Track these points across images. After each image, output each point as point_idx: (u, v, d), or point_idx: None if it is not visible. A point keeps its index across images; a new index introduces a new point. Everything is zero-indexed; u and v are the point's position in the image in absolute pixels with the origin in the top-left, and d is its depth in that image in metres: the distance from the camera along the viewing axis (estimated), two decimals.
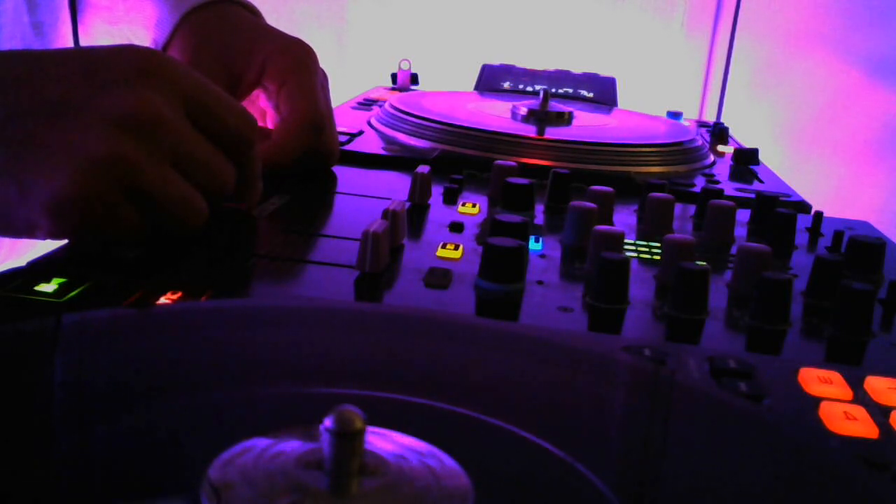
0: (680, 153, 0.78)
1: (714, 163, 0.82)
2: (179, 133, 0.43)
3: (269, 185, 0.57)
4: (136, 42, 0.64)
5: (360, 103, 0.97)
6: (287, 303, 0.41)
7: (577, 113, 0.87)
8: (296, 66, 0.61)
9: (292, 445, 0.24)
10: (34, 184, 0.40)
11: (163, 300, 0.37)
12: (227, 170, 0.47)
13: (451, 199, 0.61)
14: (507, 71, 1.15)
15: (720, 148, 0.91)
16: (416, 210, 0.57)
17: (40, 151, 0.40)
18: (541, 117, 0.83)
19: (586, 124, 0.86)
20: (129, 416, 0.27)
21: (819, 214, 0.60)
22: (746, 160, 0.83)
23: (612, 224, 0.57)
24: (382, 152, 0.73)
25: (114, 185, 0.41)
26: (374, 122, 0.84)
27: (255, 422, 0.27)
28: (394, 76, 1.14)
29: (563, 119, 0.85)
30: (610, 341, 0.37)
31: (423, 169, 0.59)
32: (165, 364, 0.31)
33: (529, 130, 0.80)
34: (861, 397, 0.34)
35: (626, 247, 0.52)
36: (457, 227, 0.54)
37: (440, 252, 0.48)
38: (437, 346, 0.35)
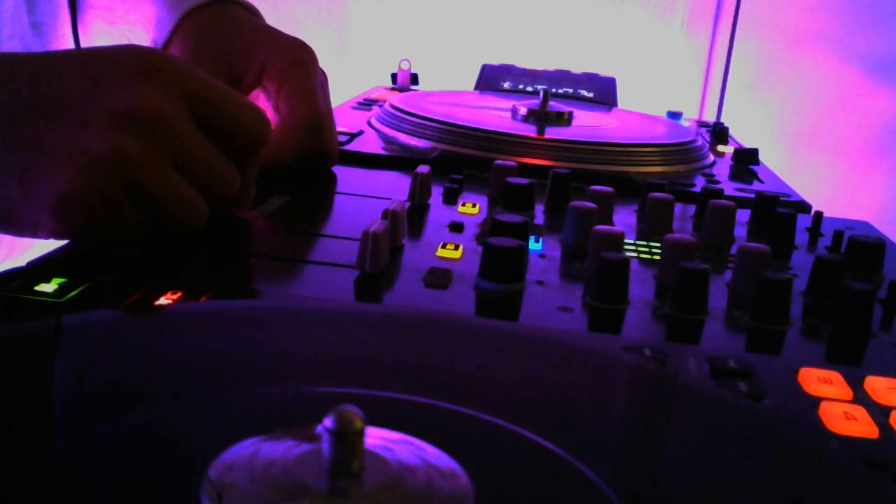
0: (680, 153, 0.78)
1: (714, 163, 0.82)
2: (180, 131, 0.43)
3: (269, 185, 0.57)
4: (136, 42, 0.64)
5: (360, 103, 0.97)
6: (287, 303, 0.41)
7: (576, 113, 0.87)
8: (296, 66, 0.61)
9: (292, 445, 0.24)
10: (37, 183, 0.40)
11: (163, 300, 0.37)
12: (228, 172, 0.46)
13: (451, 199, 0.61)
14: (507, 71, 1.15)
15: (720, 148, 0.91)
16: (416, 210, 0.57)
17: (42, 151, 0.40)
18: (541, 117, 0.83)
19: (586, 124, 0.86)
20: (129, 416, 0.27)
21: (819, 214, 0.60)
22: (746, 160, 0.83)
23: (612, 224, 0.57)
24: (382, 152, 0.73)
25: (115, 184, 0.41)
26: (374, 122, 0.84)
27: (255, 422, 0.27)
28: (394, 76, 1.14)
29: (563, 119, 0.85)
30: (610, 341, 0.37)
31: (423, 169, 0.59)
32: (165, 364, 0.31)
33: (529, 130, 0.79)
34: (861, 397, 0.34)
35: (626, 247, 0.52)
36: (457, 227, 0.54)
37: (440, 252, 0.48)
38: (437, 346, 0.35)
